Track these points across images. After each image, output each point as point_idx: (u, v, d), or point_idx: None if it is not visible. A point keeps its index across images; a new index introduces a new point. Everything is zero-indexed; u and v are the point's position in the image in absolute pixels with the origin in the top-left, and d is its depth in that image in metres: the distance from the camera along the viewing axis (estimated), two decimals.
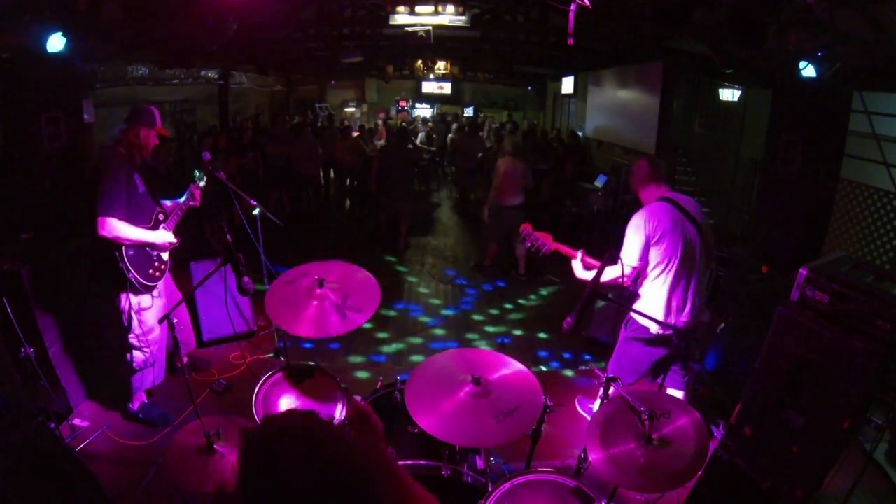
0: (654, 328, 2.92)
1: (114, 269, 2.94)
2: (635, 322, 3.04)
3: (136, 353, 3.15)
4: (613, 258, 2.64)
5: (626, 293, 3.13)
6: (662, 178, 3.03)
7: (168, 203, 3.24)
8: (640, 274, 2.92)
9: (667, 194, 2.96)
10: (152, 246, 3.08)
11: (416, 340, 4.84)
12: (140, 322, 3.10)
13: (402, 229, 7.33)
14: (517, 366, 2.16)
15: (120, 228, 2.86)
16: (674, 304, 2.90)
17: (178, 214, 3.22)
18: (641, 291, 2.97)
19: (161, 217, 3.13)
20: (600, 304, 4.35)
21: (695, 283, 2.91)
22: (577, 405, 3.63)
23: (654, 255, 2.86)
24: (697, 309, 2.96)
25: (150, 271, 3.07)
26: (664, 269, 2.87)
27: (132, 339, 3.11)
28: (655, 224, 2.84)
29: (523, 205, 6.04)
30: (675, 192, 3.00)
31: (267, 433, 0.96)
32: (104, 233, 2.82)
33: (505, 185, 5.91)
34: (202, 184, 3.31)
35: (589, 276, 2.69)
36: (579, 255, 2.93)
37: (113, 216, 2.83)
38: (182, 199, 3.25)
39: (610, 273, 2.73)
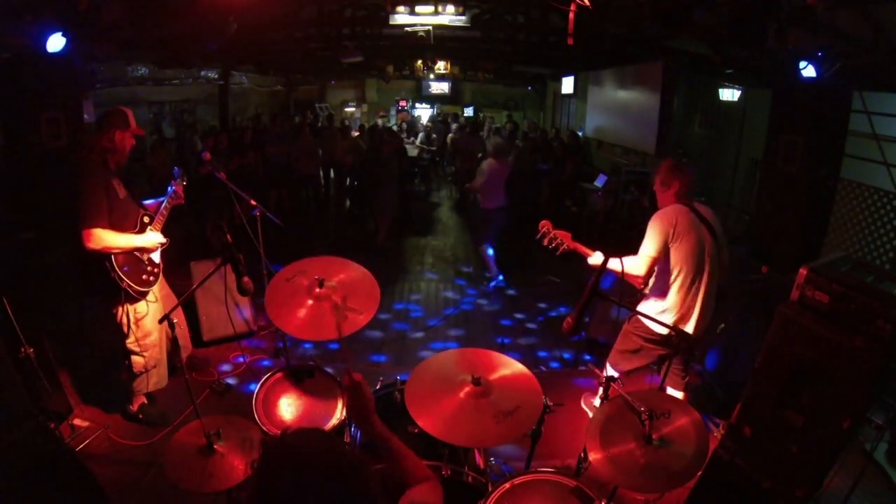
0: (657, 329, 2.91)
1: (106, 281, 2.87)
2: (638, 320, 3.04)
3: (136, 358, 3.13)
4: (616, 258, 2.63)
5: (633, 294, 3.11)
6: (690, 192, 2.97)
7: (150, 203, 3.16)
8: (655, 275, 2.90)
9: (687, 200, 2.94)
10: (143, 249, 3.00)
11: (417, 340, 4.84)
12: (138, 328, 3.07)
13: (382, 225, 7.39)
14: (517, 366, 2.15)
15: (106, 238, 2.79)
16: (685, 308, 2.89)
17: (164, 214, 3.13)
18: (654, 293, 2.96)
19: (146, 220, 3.05)
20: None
21: (706, 290, 2.90)
22: (583, 403, 3.64)
23: (672, 255, 2.84)
24: (707, 317, 2.97)
25: (144, 277, 3.02)
26: (679, 272, 2.85)
27: (131, 345, 3.09)
28: (675, 222, 2.82)
29: (508, 206, 6.00)
30: (696, 202, 2.98)
31: (284, 455, 1.00)
32: (91, 245, 2.75)
33: (490, 187, 5.86)
34: (184, 182, 3.22)
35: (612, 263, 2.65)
36: (599, 254, 2.87)
37: (97, 227, 2.76)
38: (164, 198, 3.15)
39: (627, 268, 2.70)
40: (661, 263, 2.87)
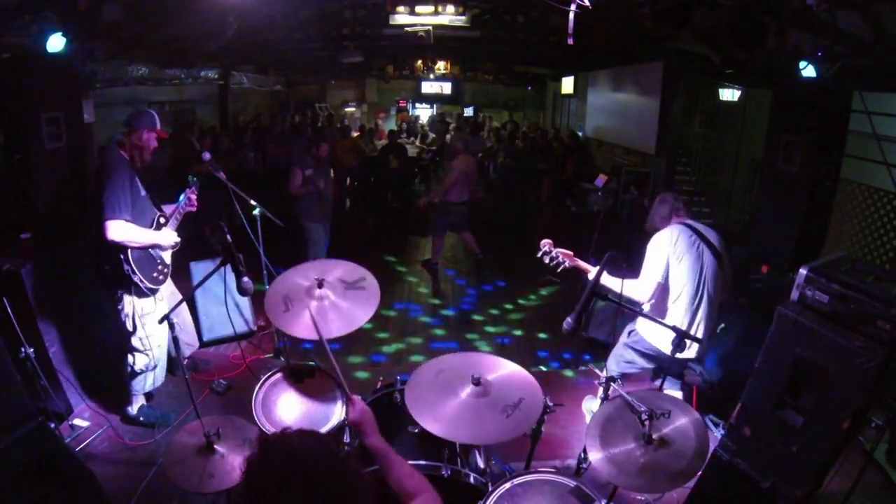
0: (656, 345, 2.92)
1: (119, 273, 2.94)
2: (637, 335, 3.06)
3: (139, 357, 3.15)
4: (614, 260, 2.63)
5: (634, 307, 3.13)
6: (682, 210, 3.06)
7: (167, 207, 3.25)
8: (658, 295, 2.91)
9: (686, 220, 2.99)
10: (158, 246, 3.09)
11: (416, 340, 4.84)
12: (143, 325, 3.10)
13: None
14: (516, 369, 2.15)
15: (128, 231, 2.88)
16: (686, 327, 2.89)
17: (178, 219, 3.23)
18: (654, 312, 2.96)
19: (161, 220, 3.15)
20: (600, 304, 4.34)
21: (708, 308, 2.92)
22: (583, 406, 3.63)
23: (674, 275, 2.86)
24: (707, 335, 2.98)
25: (155, 274, 3.09)
26: (681, 292, 2.87)
27: (135, 343, 3.11)
28: (675, 242, 2.86)
29: (469, 202, 6.18)
30: (696, 221, 3.02)
31: (277, 452, 1.03)
32: (112, 236, 2.83)
33: (458, 182, 6.04)
34: (196, 191, 3.29)
35: (610, 280, 2.66)
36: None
37: (120, 219, 2.85)
38: (179, 204, 3.25)
39: (629, 291, 2.71)
40: (669, 284, 2.89)
